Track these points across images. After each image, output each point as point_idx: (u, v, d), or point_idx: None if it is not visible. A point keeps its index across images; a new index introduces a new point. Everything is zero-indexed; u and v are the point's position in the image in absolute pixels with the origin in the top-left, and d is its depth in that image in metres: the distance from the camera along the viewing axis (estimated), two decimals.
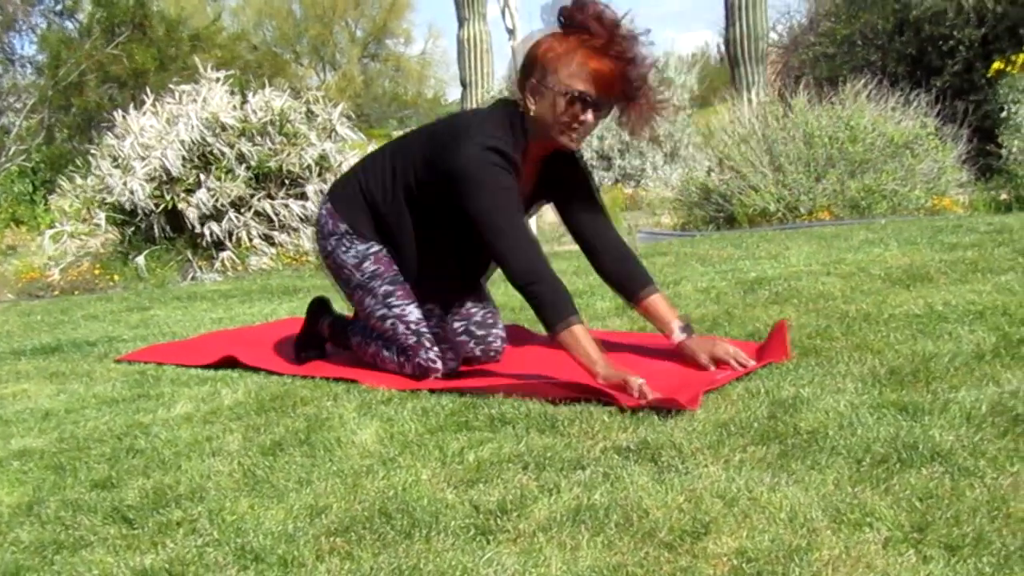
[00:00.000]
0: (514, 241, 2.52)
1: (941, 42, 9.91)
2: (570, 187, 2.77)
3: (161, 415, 2.55)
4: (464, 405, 2.37)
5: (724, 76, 16.98)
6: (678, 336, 2.67)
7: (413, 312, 2.74)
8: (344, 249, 2.80)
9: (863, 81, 7.18)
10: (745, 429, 2.02)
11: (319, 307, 3.12)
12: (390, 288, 2.76)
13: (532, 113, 2.58)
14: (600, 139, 10.63)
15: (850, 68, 9.88)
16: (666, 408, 2.16)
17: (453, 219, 2.61)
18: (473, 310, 2.84)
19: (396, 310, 2.75)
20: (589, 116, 2.53)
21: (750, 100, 8.04)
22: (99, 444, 2.33)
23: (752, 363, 2.49)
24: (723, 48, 15.97)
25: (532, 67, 2.58)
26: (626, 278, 2.78)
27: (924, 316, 2.85)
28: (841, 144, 6.45)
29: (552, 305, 2.49)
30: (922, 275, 3.45)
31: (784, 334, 2.63)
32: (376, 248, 2.77)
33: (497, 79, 12.23)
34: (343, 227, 2.80)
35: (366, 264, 2.77)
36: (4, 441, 2.45)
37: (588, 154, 10.64)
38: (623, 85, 2.52)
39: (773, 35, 14.45)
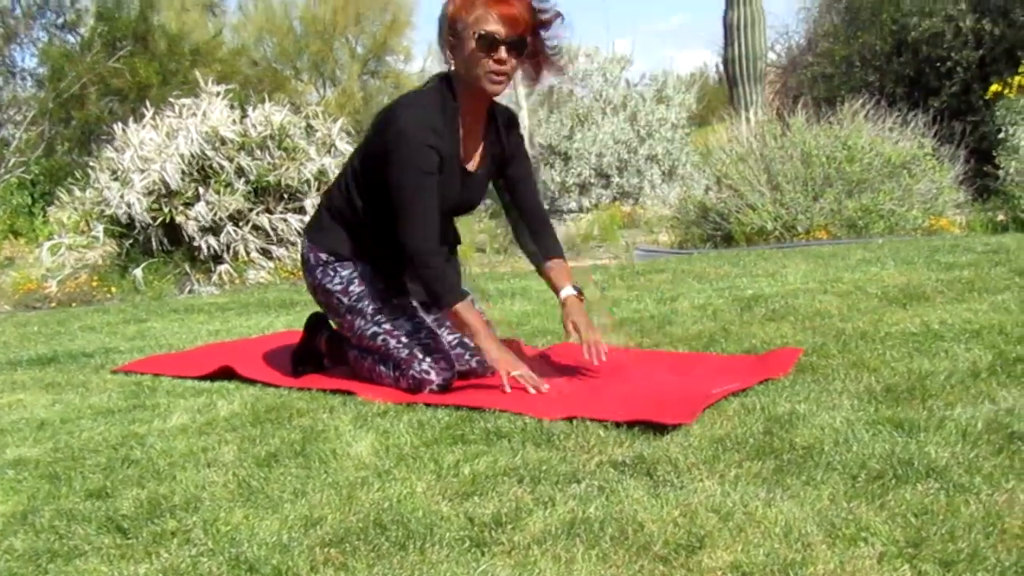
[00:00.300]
0: (415, 220, 2.66)
1: (939, 63, 9.96)
2: (512, 153, 2.91)
3: (157, 426, 2.55)
4: (460, 418, 2.37)
5: (723, 96, 17.02)
6: (563, 295, 2.86)
7: (403, 326, 2.76)
8: (330, 278, 2.87)
9: (861, 101, 7.21)
10: (741, 444, 2.02)
11: (317, 322, 3.12)
12: (378, 305, 2.79)
13: (454, 68, 2.70)
14: (599, 156, 10.65)
15: (848, 89, 9.92)
16: (655, 423, 2.15)
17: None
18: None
19: (386, 326, 2.76)
20: (502, 53, 2.62)
21: (748, 120, 8.07)
22: (94, 454, 2.33)
23: (595, 361, 2.72)
24: (722, 68, 16.03)
25: (444, 26, 2.71)
26: (539, 245, 2.95)
27: (920, 334, 2.86)
28: (838, 164, 6.47)
29: (442, 285, 2.67)
30: (919, 294, 3.46)
31: (792, 357, 2.65)
32: (360, 270, 2.84)
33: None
34: (324, 256, 2.89)
35: (352, 287, 2.83)
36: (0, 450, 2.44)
37: (585, 171, 10.67)
38: (528, 16, 2.64)
39: (772, 55, 14.50)
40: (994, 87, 8.32)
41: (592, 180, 10.74)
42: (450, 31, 2.68)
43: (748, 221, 6.37)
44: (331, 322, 3.02)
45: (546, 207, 10.36)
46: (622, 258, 6.25)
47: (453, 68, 2.71)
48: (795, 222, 6.26)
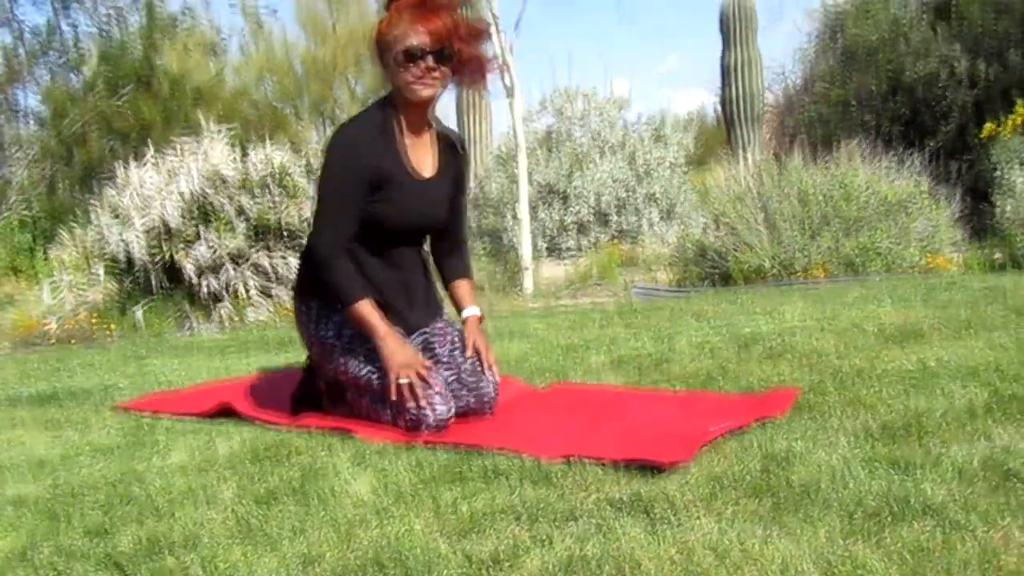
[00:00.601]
0: (324, 223, 2.85)
1: (935, 104, 10.05)
2: (456, 173, 3.06)
3: (156, 463, 2.55)
4: (458, 457, 2.37)
5: (721, 136, 17.15)
6: (465, 315, 3.02)
7: (395, 394, 2.76)
8: (323, 325, 2.91)
9: (857, 141, 7.27)
10: (738, 482, 2.03)
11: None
12: (371, 346, 2.80)
13: (392, 84, 2.87)
14: (597, 196, 10.70)
15: (845, 129, 10.00)
16: (648, 465, 2.16)
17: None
18: (461, 360, 2.87)
19: (378, 364, 2.77)
20: (429, 61, 2.79)
21: (746, 160, 8.13)
22: (93, 491, 2.33)
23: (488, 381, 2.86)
24: (719, 108, 16.16)
25: (376, 49, 2.89)
26: (450, 263, 3.11)
27: (917, 372, 2.87)
28: (835, 203, 6.52)
29: (339, 288, 2.81)
30: (915, 332, 3.47)
31: (790, 397, 2.66)
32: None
33: (496, 136, 12.37)
34: (315, 303, 2.94)
35: (344, 331, 2.87)
36: None
37: (584, 211, 10.72)
38: (449, 26, 2.81)
39: (769, 96, 14.63)
40: (988, 127, 8.40)
41: (591, 220, 10.79)
42: (380, 51, 2.87)
43: (746, 260, 6.40)
44: (326, 374, 3.04)
45: (544, 247, 10.46)
46: (620, 297, 6.27)
47: (390, 85, 2.88)
48: (793, 261, 6.29)
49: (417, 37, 2.77)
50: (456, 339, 2.95)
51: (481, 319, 3.05)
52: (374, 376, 2.80)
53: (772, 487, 1.98)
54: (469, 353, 2.89)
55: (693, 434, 2.35)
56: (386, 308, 2.87)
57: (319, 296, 2.92)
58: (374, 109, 2.93)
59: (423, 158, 2.94)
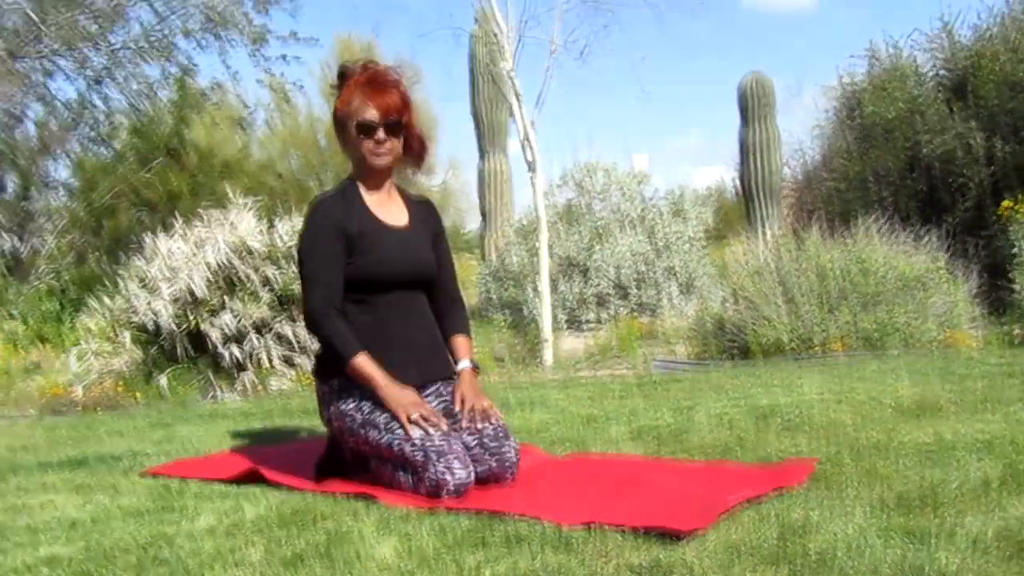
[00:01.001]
0: (311, 286, 3.06)
1: (952, 181, 10.13)
2: (437, 232, 3.30)
3: (185, 527, 2.61)
4: (480, 523, 2.43)
5: (740, 211, 17.29)
6: (459, 367, 3.17)
7: (415, 431, 2.84)
8: (344, 400, 3.03)
9: (874, 217, 7.35)
10: (755, 550, 2.07)
11: None
12: (388, 417, 2.90)
13: (351, 156, 3.17)
14: (617, 269, 10.80)
15: (863, 205, 10.08)
16: (667, 532, 2.20)
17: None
18: (483, 426, 2.94)
19: (399, 432, 2.86)
20: (380, 135, 3.06)
21: (764, 235, 8.22)
22: (125, 553, 2.39)
23: (485, 424, 2.95)
24: (738, 184, 16.33)
25: (336, 125, 3.19)
26: (447, 320, 3.26)
27: (933, 445, 2.91)
28: (853, 278, 6.58)
29: (336, 345, 2.99)
30: (932, 406, 3.51)
31: (807, 468, 2.70)
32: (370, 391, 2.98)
33: (517, 209, 12.54)
34: (335, 382, 3.07)
35: (364, 403, 2.98)
36: (33, 548, 2.51)
37: (604, 284, 10.81)
38: (399, 101, 3.08)
39: (787, 172, 14.78)
40: (1006, 204, 8.47)
41: (610, 293, 10.87)
42: (339, 126, 3.16)
43: (764, 334, 6.45)
44: (348, 446, 3.12)
45: (564, 319, 10.53)
46: (640, 370, 6.32)
47: (349, 156, 3.18)
48: (811, 335, 6.33)
49: (368, 112, 3.05)
50: (481, 422, 3.00)
51: (476, 371, 3.20)
52: (395, 443, 2.87)
53: (789, 555, 2.02)
54: (456, 406, 3.03)
55: (711, 503, 2.39)
56: (394, 365, 3.00)
57: (339, 374, 3.03)
58: (342, 183, 3.21)
59: (392, 213, 3.18)
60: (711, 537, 2.17)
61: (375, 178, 3.16)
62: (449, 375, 3.18)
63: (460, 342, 3.24)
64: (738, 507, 2.39)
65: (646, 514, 2.32)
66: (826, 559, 1.98)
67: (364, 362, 2.95)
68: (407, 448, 2.83)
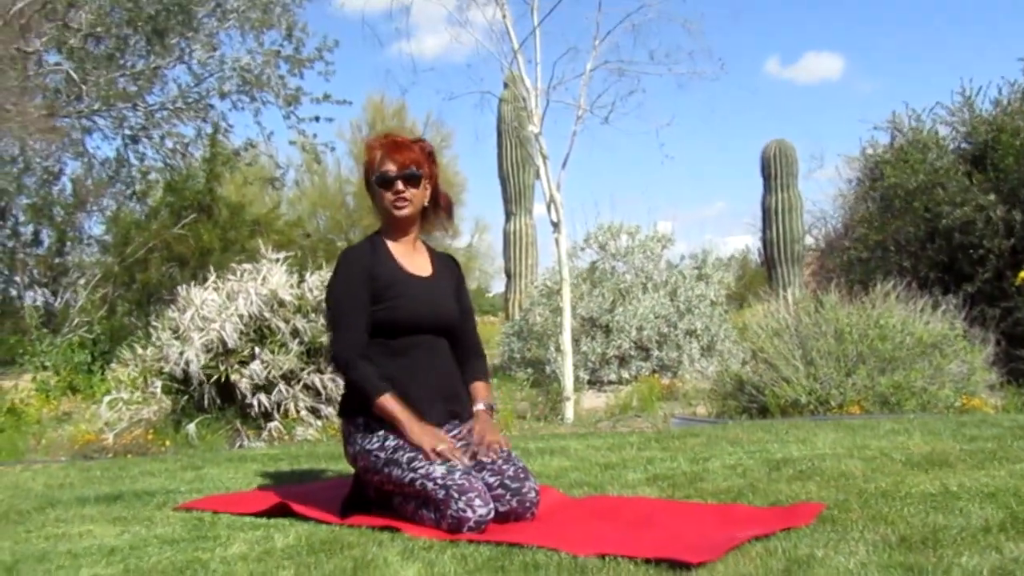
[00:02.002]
0: (339, 330, 3.26)
1: (972, 251, 10.23)
2: (458, 284, 3.51)
3: (219, 553, 2.74)
4: (500, 552, 2.55)
5: (763, 278, 17.41)
6: (476, 409, 3.35)
7: (437, 469, 2.98)
8: (368, 440, 3.19)
9: (893, 283, 7.46)
10: None
11: None
12: (412, 454, 3.05)
13: (377, 210, 3.40)
14: (639, 330, 10.92)
15: (884, 272, 10.18)
16: (678, 563, 2.31)
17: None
18: (505, 467, 3.07)
19: (421, 471, 2.99)
20: (399, 186, 3.30)
21: (786, 298, 8.33)
22: (162, 575, 2.52)
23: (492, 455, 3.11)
24: (761, 249, 16.48)
25: (366, 186, 3.42)
26: (467, 367, 3.45)
27: (939, 495, 3.01)
28: (871, 341, 6.67)
29: (363, 387, 3.17)
30: (941, 461, 3.61)
31: (815, 510, 2.82)
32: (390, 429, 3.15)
33: (541, 270, 12.71)
34: (360, 420, 3.24)
35: (388, 442, 3.13)
36: (75, 570, 2.64)
37: (626, 344, 10.91)
38: (418, 155, 3.34)
39: (809, 239, 14.93)
40: (1022, 275, 8.56)
41: (632, 352, 10.98)
42: (365, 182, 3.40)
43: (783, 394, 6.54)
44: (372, 485, 3.26)
45: (586, 378, 10.63)
46: (659, 427, 6.41)
47: (375, 208, 3.41)
48: (828, 396, 6.42)
49: (387, 165, 3.30)
50: (499, 448, 3.16)
51: (492, 411, 3.40)
52: (417, 481, 2.99)
53: None
54: (476, 439, 3.19)
55: (721, 538, 2.51)
56: (418, 405, 3.17)
57: (364, 413, 3.19)
58: (369, 236, 3.45)
59: (416, 263, 3.39)
60: (719, 567, 2.29)
61: (400, 230, 3.38)
62: (468, 417, 3.34)
63: (479, 387, 3.43)
64: (747, 543, 2.50)
65: (658, 547, 2.44)
66: None
67: (389, 401, 3.13)
68: (429, 485, 2.96)
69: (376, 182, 3.32)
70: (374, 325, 3.24)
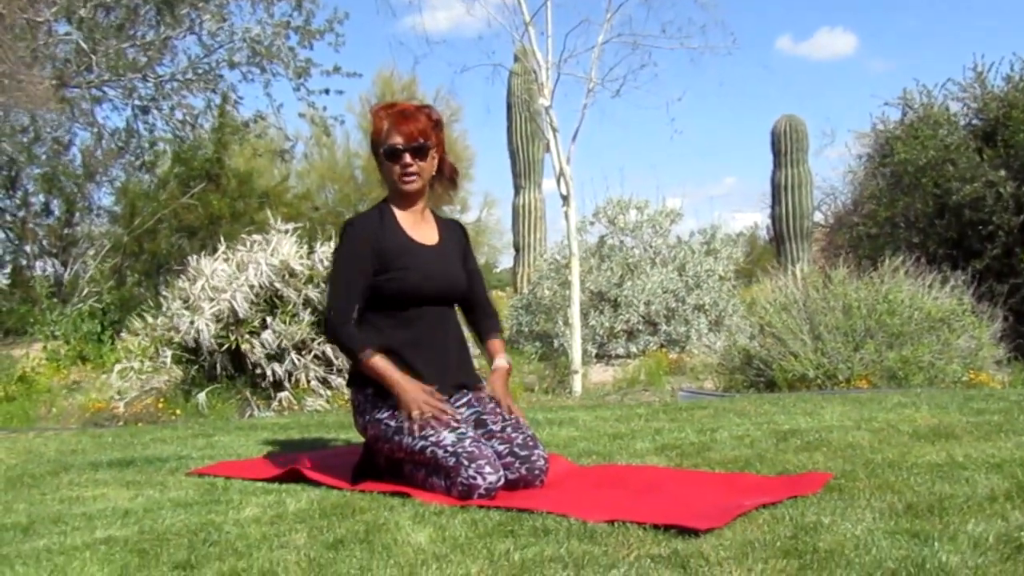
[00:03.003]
0: (333, 293, 3.29)
1: (981, 227, 10.22)
2: (465, 250, 3.53)
3: (232, 516, 2.78)
4: (510, 517, 2.58)
5: (771, 254, 17.39)
6: (495, 365, 3.42)
7: (447, 436, 3.01)
8: (378, 410, 3.20)
9: (901, 259, 7.46)
10: (768, 546, 2.21)
11: None
12: (419, 425, 3.06)
13: (384, 179, 3.39)
14: (647, 304, 10.93)
15: (892, 249, 10.18)
16: (685, 529, 2.34)
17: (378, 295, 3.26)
18: (514, 435, 3.10)
19: (431, 438, 3.02)
20: (407, 159, 3.28)
21: (794, 274, 8.34)
22: (177, 536, 2.56)
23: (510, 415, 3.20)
24: (770, 225, 16.45)
25: (372, 151, 3.41)
26: (482, 326, 3.52)
27: (945, 465, 3.03)
28: (879, 316, 6.68)
29: (352, 348, 3.21)
30: (948, 433, 3.63)
31: (822, 479, 2.84)
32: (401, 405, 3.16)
33: (550, 245, 12.72)
34: (369, 391, 3.25)
35: (399, 412, 3.14)
36: (90, 531, 2.68)
37: (634, 318, 10.93)
38: (425, 126, 3.30)
39: (819, 215, 14.91)
40: None
41: (640, 327, 11.00)
42: (372, 151, 3.40)
43: (790, 368, 6.56)
44: (383, 453, 3.29)
45: (594, 352, 10.66)
46: (666, 400, 6.44)
47: (385, 182, 3.40)
48: (836, 371, 6.44)
49: (394, 138, 3.28)
50: (506, 417, 3.20)
51: (509, 371, 3.45)
52: (428, 449, 3.02)
53: (800, 551, 2.16)
54: (489, 400, 3.27)
55: (729, 505, 2.53)
56: (426, 375, 3.20)
57: (374, 383, 3.21)
58: (376, 205, 3.44)
59: (422, 232, 3.39)
60: (727, 533, 2.32)
61: (407, 200, 3.38)
62: (478, 384, 3.37)
63: (496, 345, 3.48)
64: (754, 510, 2.53)
65: (666, 513, 2.47)
66: (834, 554, 2.12)
67: (379, 362, 3.16)
68: (439, 453, 2.98)
69: (384, 155, 3.31)
70: (383, 296, 3.24)
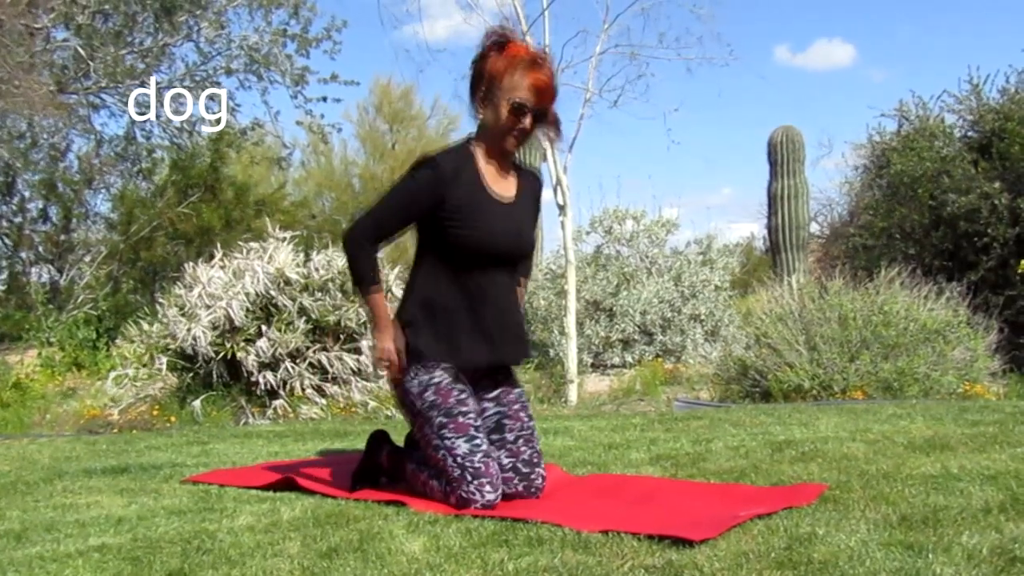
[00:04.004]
0: (374, 213, 3.12)
1: (976, 239, 10.23)
2: (535, 197, 3.31)
3: (226, 524, 2.77)
4: (504, 527, 2.58)
5: (767, 264, 17.41)
6: None
7: (461, 446, 2.97)
8: (411, 377, 3.07)
9: (897, 270, 7.47)
10: (763, 556, 2.21)
11: (379, 439, 3.36)
12: (444, 420, 3.00)
13: (480, 118, 3.11)
14: (643, 314, 10.94)
15: (888, 260, 10.20)
16: (677, 537, 2.34)
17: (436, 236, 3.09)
18: (523, 449, 3.08)
19: (447, 443, 2.98)
20: (527, 122, 3.04)
21: (790, 284, 8.35)
22: (170, 544, 2.55)
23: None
24: (766, 235, 16.47)
25: (479, 79, 3.10)
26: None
27: (940, 477, 3.03)
28: (875, 327, 6.69)
29: (365, 272, 3.09)
30: (943, 444, 3.63)
31: (817, 490, 2.84)
32: (438, 379, 3.04)
33: (546, 254, 12.72)
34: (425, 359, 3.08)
35: (427, 394, 3.03)
36: (83, 538, 2.68)
37: (629, 327, 10.94)
38: (553, 86, 3.06)
39: (815, 226, 14.93)
40: None
41: (636, 337, 11.00)
42: (486, 87, 3.08)
43: (786, 379, 6.56)
44: (382, 456, 3.28)
45: (589, 361, 10.65)
46: (662, 410, 6.44)
47: (480, 117, 3.12)
48: (832, 381, 6.44)
49: (526, 93, 3.01)
50: (524, 427, 3.15)
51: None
52: (440, 451, 2.99)
53: (794, 562, 2.16)
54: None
55: (723, 516, 2.53)
56: (463, 348, 3.07)
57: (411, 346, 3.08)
58: (461, 143, 3.17)
59: (502, 184, 3.15)
60: (722, 544, 2.31)
61: (499, 151, 3.13)
62: (519, 360, 3.24)
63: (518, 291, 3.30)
64: (748, 521, 2.53)
65: (660, 523, 2.46)
66: (828, 566, 2.12)
67: (379, 299, 3.10)
68: (448, 460, 2.96)
69: (509, 106, 3.01)
70: (446, 249, 3.06)
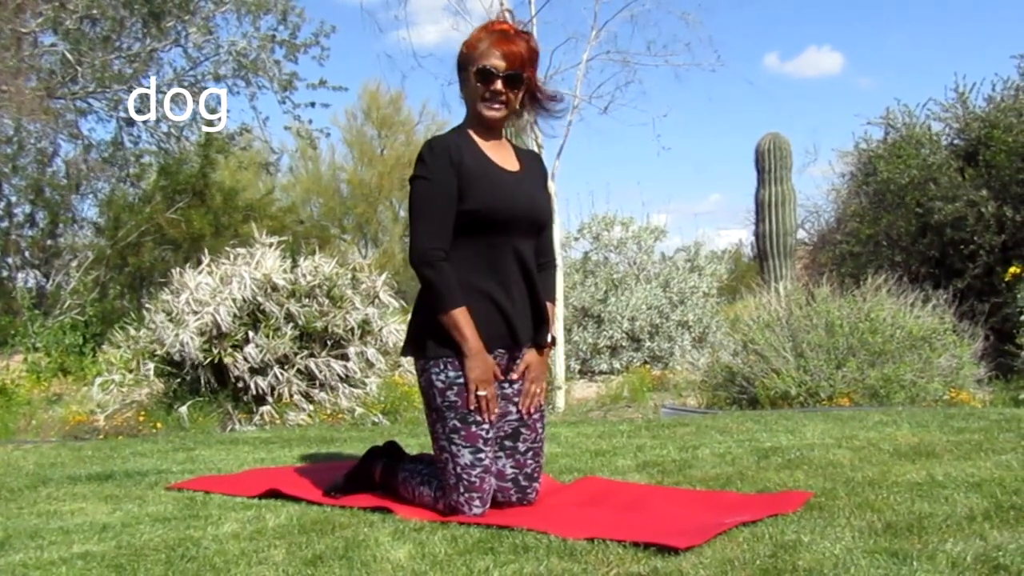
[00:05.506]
0: (421, 223, 2.98)
1: (963, 246, 10.27)
2: (540, 174, 3.28)
3: (210, 532, 2.76)
4: (490, 534, 2.58)
5: (755, 271, 17.45)
6: (539, 338, 3.12)
7: (465, 456, 2.93)
8: (437, 371, 2.99)
9: (884, 277, 7.50)
10: (748, 564, 2.21)
11: (377, 451, 3.36)
12: (457, 425, 2.95)
13: (465, 100, 3.11)
14: (631, 320, 10.95)
15: (875, 267, 10.24)
16: (663, 544, 2.34)
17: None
18: (529, 463, 3.07)
19: (453, 448, 2.94)
20: (498, 85, 3.02)
21: (778, 291, 8.37)
22: (155, 552, 2.55)
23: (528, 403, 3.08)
24: (754, 242, 16.50)
25: (458, 64, 3.13)
26: (539, 282, 3.15)
27: (925, 484, 3.04)
28: (861, 334, 6.71)
29: (441, 292, 2.93)
30: (928, 451, 3.64)
31: (802, 498, 2.85)
32: (463, 380, 2.96)
33: None
34: (431, 346, 3.01)
35: (449, 393, 2.96)
36: (67, 546, 2.66)
37: (618, 335, 10.94)
38: (526, 53, 3.05)
39: (802, 233, 14.96)
40: (1013, 270, 8.61)
41: (624, 343, 11.01)
42: (461, 66, 3.11)
43: (773, 385, 6.58)
44: (376, 472, 3.27)
45: (577, 367, 10.66)
46: (649, 416, 6.44)
47: (463, 97, 3.13)
48: (818, 388, 6.45)
49: (492, 59, 3.00)
50: (537, 438, 3.10)
51: (552, 346, 3.18)
52: (444, 454, 2.96)
53: (779, 569, 2.16)
54: (516, 375, 3.08)
55: (709, 523, 2.54)
56: (511, 322, 3.02)
57: (435, 337, 2.99)
58: (453, 129, 3.15)
59: (503, 158, 3.12)
60: (707, 551, 2.32)
61: (486, 127, 3.10)
62: (529, 343, 3.12)
63: (548, 309, 3.18)
64: (734, 528, 2.53)
65: (647, 531, 2.47)
66: (813, 573, 2.12)
67: (463, 318, 2.92)
68: (449, 466, 2.94)
69: (476, 74, 3.01)
70: (465, 222, 2.97)
